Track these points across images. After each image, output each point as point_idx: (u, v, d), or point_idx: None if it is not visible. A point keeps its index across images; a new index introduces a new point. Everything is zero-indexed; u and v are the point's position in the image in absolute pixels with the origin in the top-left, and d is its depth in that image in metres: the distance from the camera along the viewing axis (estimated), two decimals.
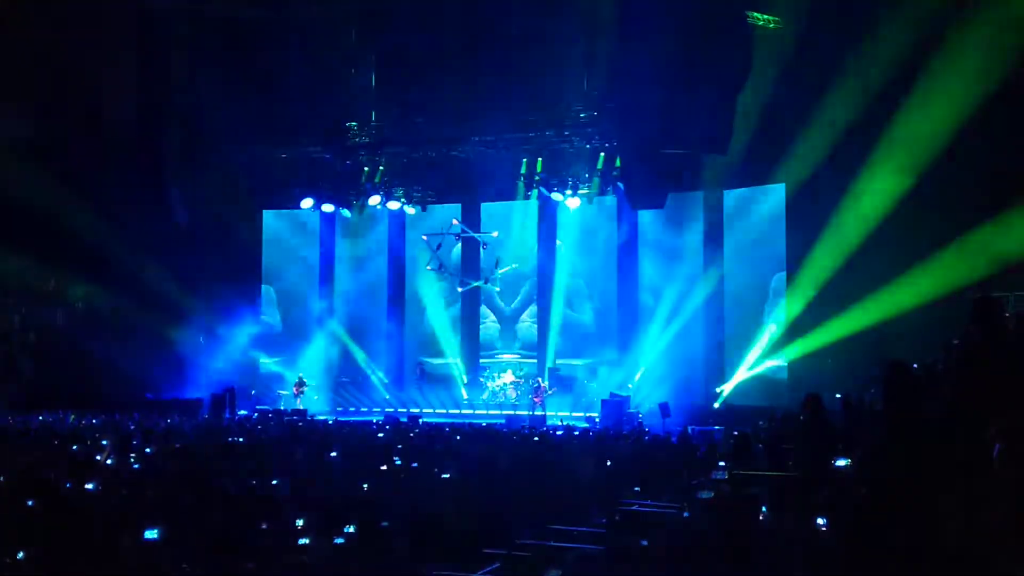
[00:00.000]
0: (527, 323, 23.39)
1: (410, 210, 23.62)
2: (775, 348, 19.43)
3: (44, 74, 19.24)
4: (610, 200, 22.31)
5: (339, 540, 5.45)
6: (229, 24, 20.61)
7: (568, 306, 22.85)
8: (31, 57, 19.12)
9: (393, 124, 22.70)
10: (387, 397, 23.30)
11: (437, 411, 21.70)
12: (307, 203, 23.53)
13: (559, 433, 14.27)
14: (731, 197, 20.82)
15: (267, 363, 24.34)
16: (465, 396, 22.92)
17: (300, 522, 5.65)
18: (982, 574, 3.57)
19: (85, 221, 19.63)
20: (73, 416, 16.60)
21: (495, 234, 23.18)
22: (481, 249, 23.38)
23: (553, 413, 20.21)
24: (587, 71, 20.85)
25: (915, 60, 14.72)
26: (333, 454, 10.00)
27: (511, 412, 20.23)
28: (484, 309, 23.73)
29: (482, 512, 6.46)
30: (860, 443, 5.97)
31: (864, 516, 4.18)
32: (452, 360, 23.47)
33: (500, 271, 23.00)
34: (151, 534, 4.84)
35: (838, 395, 10.56)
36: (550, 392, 21.05)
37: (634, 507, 6.67)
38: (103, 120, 20.07)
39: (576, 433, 14.18)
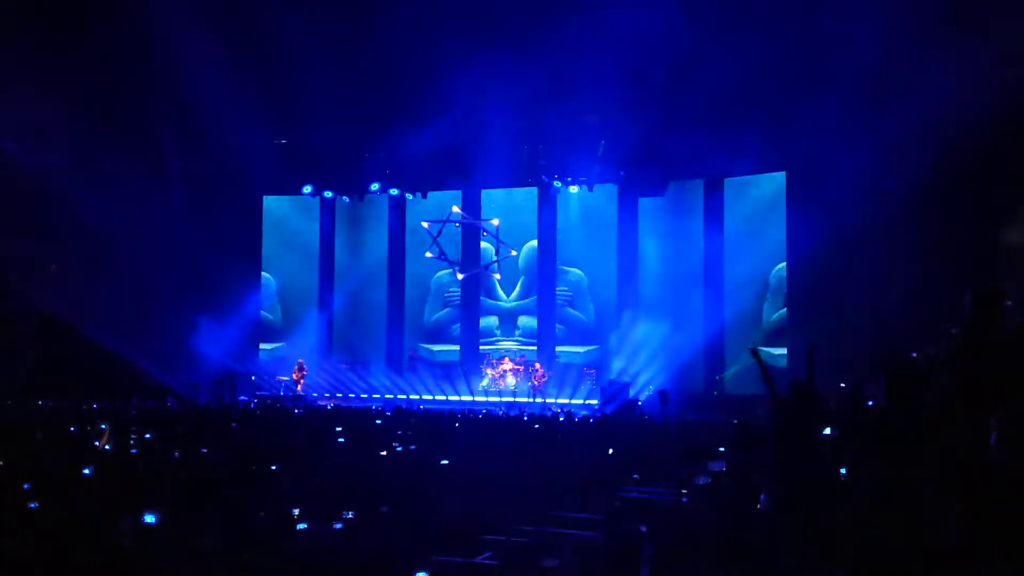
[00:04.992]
0: (527, 311, 23.37)
1: (410, 196, 23.56)
2: (775, 336, 19.42)
3: (46, 57, 19.12)
4: (611, 188, 22.26)
5: (338, 525, 5.45)
6: (231, 7, 20.44)
7: (568, 294, 22.82)
8: (32, 39, 19.00)
9: (394, 110, 22.55)
10: (386, 383, 23.31)
11: (436, 398, 21.70)
12: (307, 189, 23.49)
13: (561, 420, 14.26)
14: (732, 185, 20.78)
15: (267, 349, 24.39)
16: (464, 383, 22.92)
17: (297, 510, 5.66)
18: (981, 571, 3.55)
19: (87, 206, 19.58)
20: (73, 402, 16.60)
21: (495, 221, 23.14)
22: (481, 236, 23.34)
23: (553, 400, 20.23)
24: (590, 59, 20.71)
25: (919, 48, 14.62)
26: (337, 440, 10.01)
27: (510, 399, 20.24)
28: (483, 296, 23.71)
29: (481, 498, 6.46)
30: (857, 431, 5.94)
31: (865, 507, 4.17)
32: (452, 347, 23.48)
33: (500, 258, 22.97)
34: (149, 518, 4.84)
35: (842, 384, 10.49)
36: (546, 376, 21.08)
37: (633, 494, 6.67)
38: (105, 104, 19.96)
39: (577, 420, 14.16)
